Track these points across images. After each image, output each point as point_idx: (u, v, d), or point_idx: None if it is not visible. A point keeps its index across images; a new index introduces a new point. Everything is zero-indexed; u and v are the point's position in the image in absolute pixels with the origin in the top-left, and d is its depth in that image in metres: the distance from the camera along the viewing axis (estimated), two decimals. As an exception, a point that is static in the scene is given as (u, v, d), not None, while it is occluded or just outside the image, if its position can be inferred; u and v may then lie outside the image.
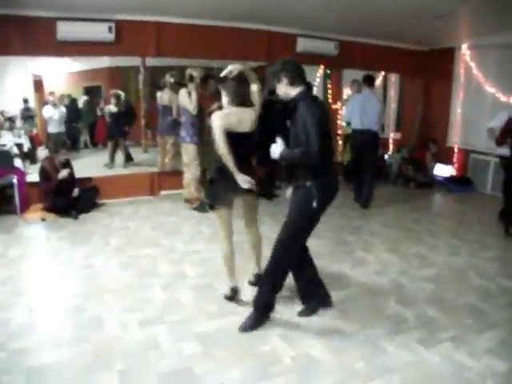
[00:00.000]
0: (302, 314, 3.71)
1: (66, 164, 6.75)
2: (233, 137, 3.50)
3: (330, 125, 3.48)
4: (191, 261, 4.82)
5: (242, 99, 3.62)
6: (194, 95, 6.48)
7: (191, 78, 6.54)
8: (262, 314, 3.54)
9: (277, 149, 3.29)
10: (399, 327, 3.54)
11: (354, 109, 7.26)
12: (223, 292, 3.98)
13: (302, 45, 8.28)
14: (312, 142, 3.07)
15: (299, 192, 3.37)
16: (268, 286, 3.52)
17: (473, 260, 5.06)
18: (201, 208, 6.73)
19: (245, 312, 3.65)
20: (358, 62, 8.83)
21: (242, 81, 3.61)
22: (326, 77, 10.79)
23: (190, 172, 6.72)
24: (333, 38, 8.57)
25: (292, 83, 3.32)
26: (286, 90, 3.35)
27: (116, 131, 9.34)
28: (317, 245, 5.36)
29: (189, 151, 6.64)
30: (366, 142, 7.14)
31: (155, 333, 3.38)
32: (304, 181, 3.29)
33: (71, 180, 6.71)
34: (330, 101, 10.07)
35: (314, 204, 3.25)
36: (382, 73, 10.62)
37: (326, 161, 3.29)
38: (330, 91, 10.46)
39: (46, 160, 6.69)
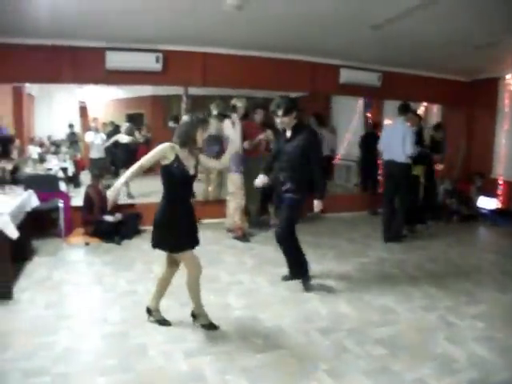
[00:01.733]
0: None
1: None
2: (182, 178, 3.64)
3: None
4: (235, 291, 4.78)
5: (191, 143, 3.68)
6: (238, 125, 6.54)
7: (234, 108, 6.61)
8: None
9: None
10: (449, 367, 3.41)
11: (384, 139, 7.05)
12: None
13: (346, 76, 8.32)
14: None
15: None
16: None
17: (523, 298, 4.89)
18: (243, 238, 6.74)
19: (290, 346, 3.62)
20: (400, 93, 8.71)
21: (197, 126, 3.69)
22: (366, 106, 10.82)
23: (235, 201, 6.73)
24: (376, 69, 8.58)
25: (295, 117, 4.65)
26: (290, 121, 4.63)
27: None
28: (361, 278, 5.32)
29: (234, 181, 6.67)
30: (394, 173, 6.81)
31: (200, 364, 3.34)
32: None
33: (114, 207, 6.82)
34: (370, 131, 10.03)
35: None
36: (424, 103, 10.55)
37: None
38: (370, 121, 10.47)
39: (91, 187, 6.84)
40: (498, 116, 9.40)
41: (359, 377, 3.24)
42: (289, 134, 4.72)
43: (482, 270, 5.81)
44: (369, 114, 10.87)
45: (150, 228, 6.86)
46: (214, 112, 7.46)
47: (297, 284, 5.03)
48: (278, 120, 4.62)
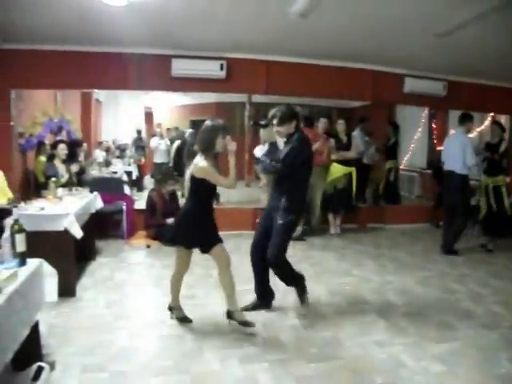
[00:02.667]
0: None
1: (173, 195, 7.01)
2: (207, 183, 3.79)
3: None
4: (293, 300, 4.72)
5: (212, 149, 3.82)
6: None
7: None
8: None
9: None
10: (512, 390, 3.27)
11: (445, 149, 6.98)
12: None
13: (410, 85, 8.18)
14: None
15: None
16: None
17: None
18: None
19: (345, 357, 3.57)
20: (467, 103, 8.43)
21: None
22: (430, 116, 10.57)
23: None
24: (441, 78, 8.37)
25: (295, 126, 4.31)
26: (287, 131, 4.29)
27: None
28: (421, 292, 5.18)
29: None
30: (450, 184, 6.73)
31: (255, 371, 3.33)
32: None
33: (176, 210, 6.94)
34: (435, 141, 9.80)
35: None
36: (491, 114, 10.16)
37: None
38: (434, 132, 10.22)
39: (154, 191, 6.99)
40: None
41: (417, 394, 3.16)
42: (282, 145, 4.42)
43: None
44: (434, 125, 10.61)
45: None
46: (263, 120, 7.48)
47: (355, 295, 4.99)
48: (273, 129, 4.45)
